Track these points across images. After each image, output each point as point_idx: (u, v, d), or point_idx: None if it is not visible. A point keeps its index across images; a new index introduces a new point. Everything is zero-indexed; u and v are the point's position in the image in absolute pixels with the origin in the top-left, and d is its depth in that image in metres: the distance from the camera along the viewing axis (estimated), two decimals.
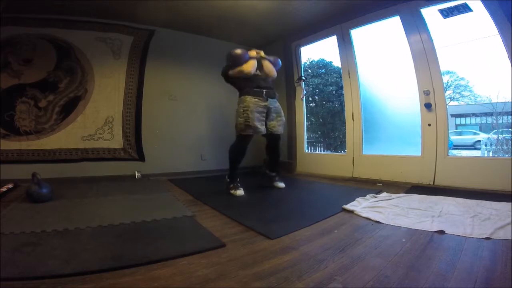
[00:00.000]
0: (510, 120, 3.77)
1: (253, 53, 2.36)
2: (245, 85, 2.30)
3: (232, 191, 2.24)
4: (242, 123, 2.20)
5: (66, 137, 2.97)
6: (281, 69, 3.76)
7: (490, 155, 3.87)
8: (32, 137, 2.83)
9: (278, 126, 2.37)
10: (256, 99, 2.24)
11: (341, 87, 3.47)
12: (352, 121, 3.13)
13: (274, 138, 2.41)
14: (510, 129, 3.72)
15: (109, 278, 0.89)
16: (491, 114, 4.35)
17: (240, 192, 2.23)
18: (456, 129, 5.95)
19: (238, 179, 2.32)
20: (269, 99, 2.32)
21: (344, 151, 3.30)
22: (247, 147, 2.29)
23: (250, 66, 2.28)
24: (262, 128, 2.25)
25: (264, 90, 2.27)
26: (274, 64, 2.46)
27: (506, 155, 3.47)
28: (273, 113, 2.35)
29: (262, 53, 2.43)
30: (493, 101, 4.02)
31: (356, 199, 1.93)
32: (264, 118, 2.29)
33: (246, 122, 2.19)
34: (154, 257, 1.04)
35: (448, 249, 1.10)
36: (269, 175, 2.57)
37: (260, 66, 2.38)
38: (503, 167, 2.09)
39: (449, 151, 2.48)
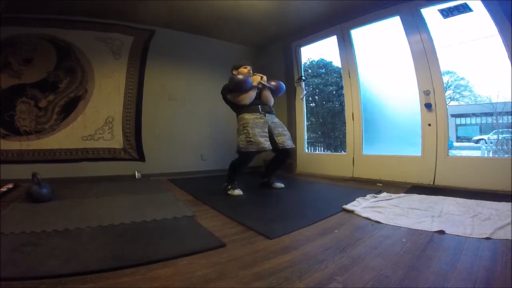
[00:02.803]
0: (510, 120, 3.76)
1: (256, 78, 2.34)
2: (239, 96, 2.29)
3: (230, 192, 2.24)
4: (244, 140, 2.15)
5: (66, 137, 2.97)
6: (281, 69, 3.79)
7: (490, 155, 3.86)
8: (32, 137, 2.83)
9: (287, 140, 2.33)
10: (254, 116, 2.25)
11: (341, 87, 3.47)
12: (352, 121, 3.13)
13: (285, 153, 2.36)
14: (510, 129, 3.71)
15: (109, 278, 0.89)
16: (491, 114, 4.34)
17: (238, 192, 2.23)
18: (456, 129, 5.95)
19: (235, 182, 2.31)
20: (267, 114, 2.32)
21: (344, 151, 3.30)
22: (248, 164, 2.25)
23: (247, 98, 2.27)
24: (267, 144, 2.17)
25: (259, 106, 2.28)
26: (276, 89, 2.45)
27: (506, 155, 3.47)
28: (278, 128, 2.33)
29: (264, 79, 2.40)
30: (493, 101, 4.02)
31: (356, 199, 1.93)
32: (267, 134, 2.23)
33: (248, 138, 2.13)
34: (154, 257, 1.04)
35: (448, 249, 1.10)
36: (263, 181, 2.57)
37: (258, 94, 2.36)
38: (503, 167, 2.09)
39: (449, 151, 2.48)
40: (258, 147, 2.13)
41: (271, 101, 2.44)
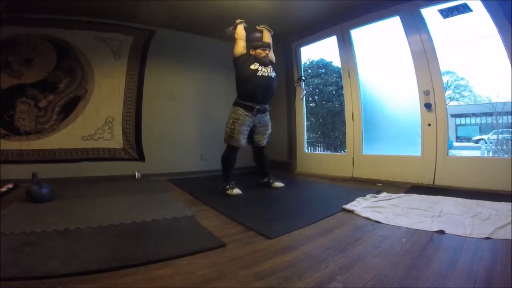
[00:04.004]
0: (510, 120, 3.76)
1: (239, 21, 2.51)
2: (244, 87, 2.33)
3: (229, 191, 2.25)
4: (228, 133, 2.32)
5: (66, 137, 2.96)
6: (281, 69, 3.79)
7: (490, 155, 3.86)
8: (32, 137, 2.83)
9: (264, 139, 2.50)
10: (247, 113, 2.32)
11: (341, 87, 3.47)
12: (352, 121, 3.13)
13: (260, 149, 2.55)
14: (510, 129, 3.71)
15: (109, 278, 0.89)
16: (491, 114, 4.35)
17: (237, 191, 2.25)
18: (456, 129, 5.96)
19: (232, 181, 2.34)
20: (259, 115, 2.38)
21: (344, 151, 3.31)
22: (236, 155, 2.40)
23: (240, 28, 2.43)
24: (244, 142, 2.37)
25: (256, 107, 2.32)
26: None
27: (506, 155, 3.47)
28: (260, 127, 2.44)
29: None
30: (493, 101, 4.02)
31: (356, 199, 1.93)
32: (248, 132, 2.38)
33: (231, 133, 2.30)
34: (154, 257, 1.04)
35: (448, 249, 1.10)
36: (263, 181, 2.61)
37: (266, 84, 2.36)
38: (503, 167, 2.10)
39: (449, 151, 2.48)
40: (237, 143, 2.32)
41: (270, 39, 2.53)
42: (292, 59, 3.76)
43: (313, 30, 3.44)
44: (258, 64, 2.31)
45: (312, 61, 5.08)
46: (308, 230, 1.38)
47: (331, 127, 4.86)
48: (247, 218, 1.57)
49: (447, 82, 4.53)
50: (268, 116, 2.51)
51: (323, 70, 5.08)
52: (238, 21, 2.48)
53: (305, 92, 3.65)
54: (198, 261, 1.02)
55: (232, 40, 2.48)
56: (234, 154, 2.38)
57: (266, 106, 2.42)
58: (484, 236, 1.19)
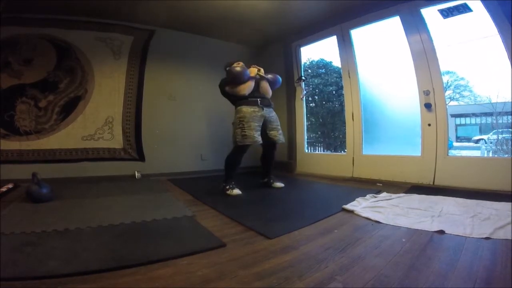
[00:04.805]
0: (510, 120, 3.76)
1: (253, 70, 2.39)
2: (238, 90, 2.33)
3: (229, 192, 2.25)
4: (239, 134, 2.24)
5: (66, 137, 2.97)
6: (281, 69, 3.79)
7: (490, 155, 3.86)
8: (32, 137, 2.83)
9: (279, 135, 2.43)
10: (252, 109, 2.28)
11: (341, 87, 3.47)
12: (352, 121, 3.13)
13: (273, 147, 2.47)
14: (510, 129, 3.71)
15: (109, 278, 0.89)
16: (491, 114, 4.35)
17: (237, 191, 2.25)
18: (456, 129, 5.95)
19: (233, 181, 2.33)
20: (265, 108, 2.35)
21: (344, 151, 3.31)
22: (242, 156, 2.34)
23: (246, 89, 2.30)
24: (259, 138, 2.27)
25: (258, 99, 2.31)
26: (273, 81, 2.49)
27: (506, 155, 3.47)
28: (273, 123, 2.40)
29: (262, 71, 2.45)
30: (493, 101, 4.02)
31: (356, 199, 1.93)
32: (260, 128, 2.31)
33: (243, 132, 2.22)
34: (154, 257, 1.04)
35: (448, 249, 1.10)
36: (263, 181, 2.61)
37: (256, 86, 2.38)
38: (503, 167, 2.10)
39: (449, 151, 2.48)
40: (251, 141, 2.23)
41: (269, 92, 2.47)
42: (292, 59, 3.76)
43: (313, 30, 3.44)
44: None
45: (312, 61, 5.08)
46: (308, 230, 1.38)
47: (331, 127, 4.86)
48: (247, 218, 1.57)
49: (447, 82, 4.52)
50: (275, 112, 2.51)
51: (323, 70, 5.08)
52: (255, 69, 2.39)
53: (305, 92, 3.65)
54: (198, 261, 1.02)
55: (233, 76, 2.30)
56: (241, 155, 2.32)
57: (269, 100, 2.42)
58: (484, 236, 1.19)
